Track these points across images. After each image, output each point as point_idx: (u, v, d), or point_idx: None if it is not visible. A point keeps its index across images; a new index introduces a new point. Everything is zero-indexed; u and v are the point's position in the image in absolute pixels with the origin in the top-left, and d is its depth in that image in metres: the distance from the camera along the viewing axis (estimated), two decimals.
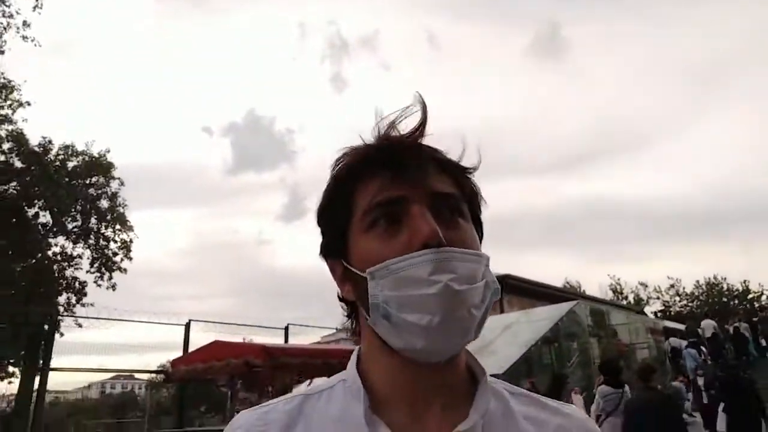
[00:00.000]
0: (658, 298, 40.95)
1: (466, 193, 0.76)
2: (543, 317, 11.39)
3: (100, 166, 16.22)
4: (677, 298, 40.75)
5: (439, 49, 75.21)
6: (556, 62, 68.62)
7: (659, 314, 37.63)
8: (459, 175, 0.76)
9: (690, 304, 39.82)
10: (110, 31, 58.92)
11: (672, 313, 38.27)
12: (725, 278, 39.22)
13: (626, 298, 40.22)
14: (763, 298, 37.21)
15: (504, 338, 9.74)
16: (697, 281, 40.02)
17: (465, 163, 0.78)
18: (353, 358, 0.78)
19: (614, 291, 40.85)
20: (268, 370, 6.55)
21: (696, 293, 40.16)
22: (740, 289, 38.47)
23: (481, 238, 0.78)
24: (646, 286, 41.19)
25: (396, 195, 0.71)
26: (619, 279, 41.33)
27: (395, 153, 0.73)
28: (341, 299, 0.79)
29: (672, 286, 40.56)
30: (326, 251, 0.80)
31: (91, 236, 16.30)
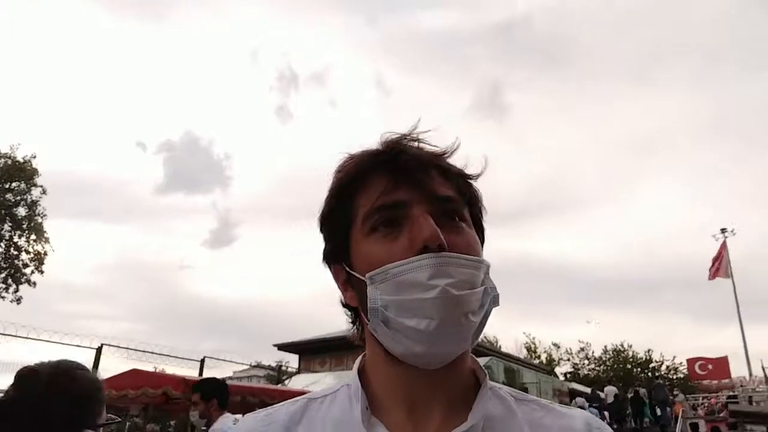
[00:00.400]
0: (568, 359, 41.98)
1: (467, 197, 0.76)
2: None
3: (22, 172, 15.44)
4: (586, 362, 42.34)
5: (387, 95, 77.05)
6: (497, 123, 70.69)
7: (568, 375, 39.28)
8: (460, 180, 0.76)
9: (597, 368, 41.41)
10: (49, 34, 56.44)
11: (581, 375, 39.74)
12: (631, 345, 40.98)
13: (539, 357, 41.39)
14: (663, 367, 39.30)
15: None
16: (605, 347, 40.38)
17: (466, 170, 0.79)
18: (357, 363, 0.78)
19: (528, 349, 41.99)
20: (185, 403, 6.41)
21: (603, 358, 41.78)
22: (644, 357, 40.37)
23: (482, 243, 0.79)
24: (559, 347, 42.54)
25: (397, 199, 0.71)
26: (534, 338, 41.23)
27: (396, 158, 0.73)
28: (345, 305, 0.80)
29: (582, 349, 41.93)
30: (328, 257, 0.79)
31: (1, 244, 15.33)
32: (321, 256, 0.81)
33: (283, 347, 23.25)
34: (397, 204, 0.71)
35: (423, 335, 0.66)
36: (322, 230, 0.80)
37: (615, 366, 40.70)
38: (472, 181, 0.79)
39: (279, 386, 11.28)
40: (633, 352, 40.98)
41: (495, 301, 0.71)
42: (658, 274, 59.81)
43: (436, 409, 0.71)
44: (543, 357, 41.71)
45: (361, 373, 0.76)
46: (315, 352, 22.13)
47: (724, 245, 24.77)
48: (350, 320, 0.80)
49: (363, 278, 0.70)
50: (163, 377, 7.68)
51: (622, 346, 41.37)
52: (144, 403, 7.52)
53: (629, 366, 40.35)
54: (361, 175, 0.75)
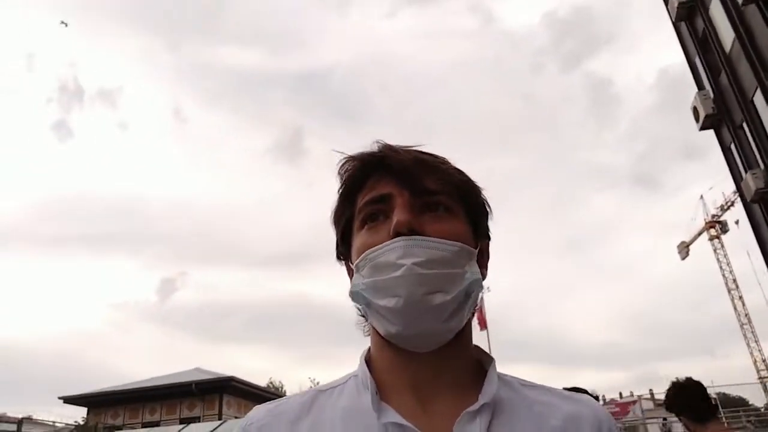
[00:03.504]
0: None
1: (455, 189, 0.78)
2: None
3: None
4: None
5: (184, 123, 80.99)
6: (293, 166, 78.38)
7: None
8: (449, 174, 0.78)
9: None
10: None
11: None
12: None
13: None
14: None
15: None
16: None
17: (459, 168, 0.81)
18: (363, 354, 0.81)
19: None
20: None
21: None
22: None
23: (481, 234, 0.81)
24: None
25: (383, 192, 0.76)
26: (318, 382, 26.52)
27: (389, 155, 0.77)
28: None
29: None
30: (337, 254, 0.85)
31: None
32: (335, 255, 0.85)
33: (70, 400, 21.96)
34: (383, 197, 0.75)
35: (394, 314, 0.69)
36: (333, 229, 0.85)
37: None
38: (468, 178, 0.81)
39: None
40: None
41: (475, 285, 0.72)
42: None
43: (444, 392, 0.73)
44: None
45: (368, 363, 0.78)
46: (108, 405, 21.53)
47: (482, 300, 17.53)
48: (359, 313, 0.80)
49: (354, 268, 0.76)
50: None
51: None
52: None
53: None
54: (360, 174, 0.79)
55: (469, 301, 0.73)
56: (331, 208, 0.84)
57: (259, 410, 0.78)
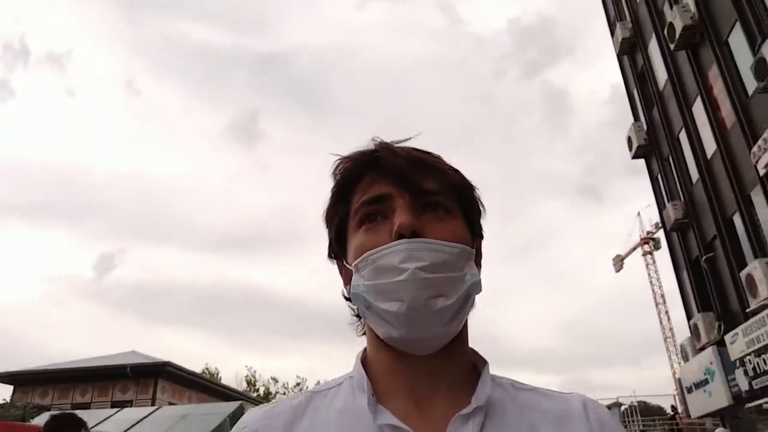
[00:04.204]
0: (284, 393, 41.79)
1: (452, 189, 0.78)
2: (215, 412, 11.82)
3: None
4: None
5: (138, 95, 77.55)
6: (248, 149, 77.39)
7: None
8: (446, 174, 0.78)
9: None
10: None
11: None
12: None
13: (257, 390, 40.66)
14: None
15: (178, 428, 9.75)
16: (318, 381, 27.66)
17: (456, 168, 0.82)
18: (359, 355, 0.80)
19: (249, 382, 40.96)
20: None
21: None
22: None
23: (477, 235, 0.82)
24: (277, 380, 39.86)
25: (381, 192, 0.75)
26: (255, 371, 40.91)
27: (386, 155, 0.76)
28: (347, 298, 0.81)
29: (298, 384, 41.63)
30: (330, 253, 0.84)
31: None
32: (326, 253, 0.84)
33: None
34: (382, 197, 0.75)
35: (397, 318, 0.68)
36: (326, 228, 0.84)
37: None
38: (464, 177, 0.81)
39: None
40: None
41: (475, 287, 0.72)
42: None
43: (439, 394, 0.73)
44: (261, 390, 41.04)
45: (363, 364, 0.78)
46: (36, 384, 21.13)
47: None
48: (353, 313, 0.81)
49: (352, 268, 0.74)
50: (26, 427, 8.09)
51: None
52: None
53: None
54: (355, 172, 0.78)
55: (468, 303, 0.73)
56: (324, 206, 0.83)
57: (252, 413, 0.76)
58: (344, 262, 0.79)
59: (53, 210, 74.26)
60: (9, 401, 19.75)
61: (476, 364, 0.79)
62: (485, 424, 0.70)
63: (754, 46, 11.44)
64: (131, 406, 17.46)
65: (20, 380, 21.43)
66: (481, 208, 0.83)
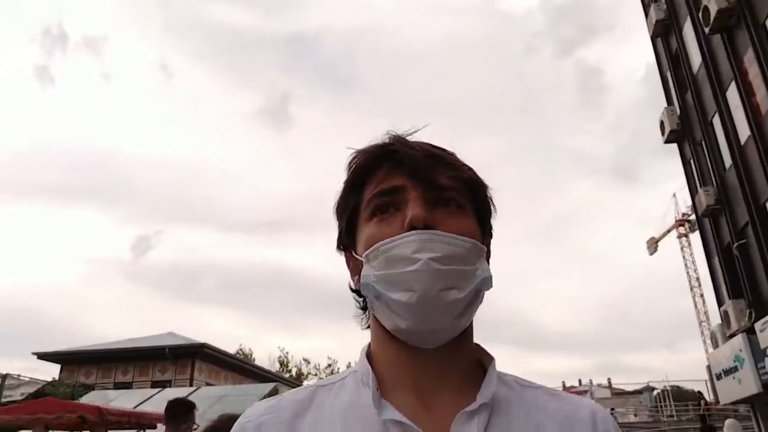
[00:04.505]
0: (316, 374, 42.39)
1: (465, 186, 0.78)
2: (251, 393, 12.60)
3: None
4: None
5: (170, 78, 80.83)
6: (278, 132, 78.79)
7: None
8: (459, 169, 0.78)
9: None
10: None
11: None
12: None
13: (290, 371, 41.34)
14: None
15: (216, 409, 9.73)
16: (349, 363, 41.21)
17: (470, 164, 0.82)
18: (363, 349, 0.80)
19: (281, 363, 41.77)
20: (103, 427, 8.02)
21: None
22: None
23: (488, 232, 0.82)
24: (309, 362, 40.13)
25: (394, 185, 0.75)
26: (287, 352, 41.55)
27: (400, 148, 0.77)
28: (353, 290, 0.82)
29: (329, 365, 42.33)
30: (339, 244, 0.84)
31: None
32: (336, 244, 0.85)
33: (44, 356, 22.59)
34: (396, 189, 0.75)
35: (408, 309, 0.68)
36: (336, 219, 0.84)
37: None
38: (477, 175, 0.81)
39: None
40: None
41: (486, 283, 0.72)
42: None
43: (445, 390, 0.73)
44: (294, 371, 41.81)
45: (368, 358, 0.78)
46: (81, 363, 22.16)
47: None
48: (359, 306, 0.82)
49: (361, 258, 0.74)
50: (79, 405, 8.83)
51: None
52: (63, 426, 8.18)
53: None
54: (368, 165, 0.79)
55: (478, 299, 0.73)
56: (336, 197, 0.83)
57: (257, 407, 0.76)
58: (353, 254, 0.79)
59: (91, 192, 76.38)
60: (57, 379, 20.71)
61: (482, 360, 0.79)
62: (490, 422, 0.70)
63: None
64: (170, 386, 18.32)
65: (67, 360, 22.55)
66: (492, 208, 0.83)
